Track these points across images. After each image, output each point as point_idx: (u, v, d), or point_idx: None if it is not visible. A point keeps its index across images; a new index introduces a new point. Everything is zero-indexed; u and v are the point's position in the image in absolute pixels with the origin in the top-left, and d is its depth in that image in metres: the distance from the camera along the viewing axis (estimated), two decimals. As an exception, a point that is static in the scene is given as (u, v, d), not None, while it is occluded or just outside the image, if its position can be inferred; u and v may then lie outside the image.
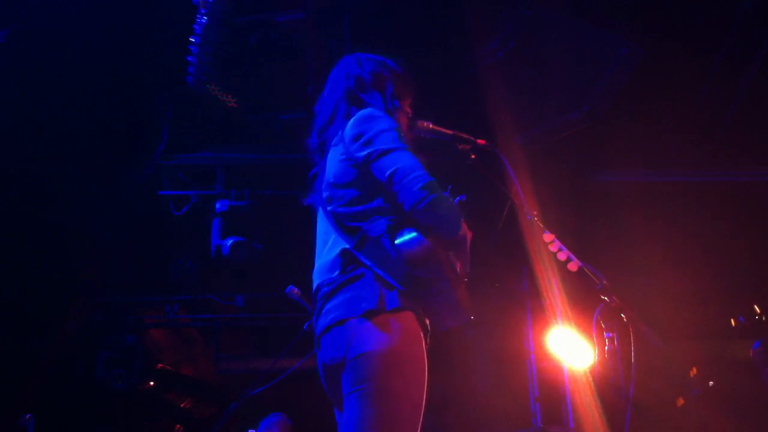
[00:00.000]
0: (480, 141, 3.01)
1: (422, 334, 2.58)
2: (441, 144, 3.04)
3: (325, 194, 2.82)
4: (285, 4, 5.54)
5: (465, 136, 3.01)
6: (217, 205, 6.64)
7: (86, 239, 6.87)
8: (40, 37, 5.27)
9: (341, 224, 2.71)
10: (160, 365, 8.20)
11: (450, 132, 3.02)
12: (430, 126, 3.01)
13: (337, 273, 2.64)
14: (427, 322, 2.65)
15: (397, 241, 2.58)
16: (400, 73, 3.05)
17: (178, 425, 9.22)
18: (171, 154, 6.60)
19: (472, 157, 2.99)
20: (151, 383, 8.00)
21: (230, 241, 6.42)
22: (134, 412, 8.35)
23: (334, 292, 2.62)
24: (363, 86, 2.97)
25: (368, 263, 2.58)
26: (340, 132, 2.83)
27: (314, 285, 2.78)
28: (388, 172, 2.60)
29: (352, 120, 2.77)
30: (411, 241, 2.56)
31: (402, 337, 2.49)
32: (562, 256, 2.74)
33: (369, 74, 3.00)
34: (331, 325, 2.58)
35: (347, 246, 2.65)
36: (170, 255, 7.38)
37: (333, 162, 2.81)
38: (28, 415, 4.60)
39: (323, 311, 2.64)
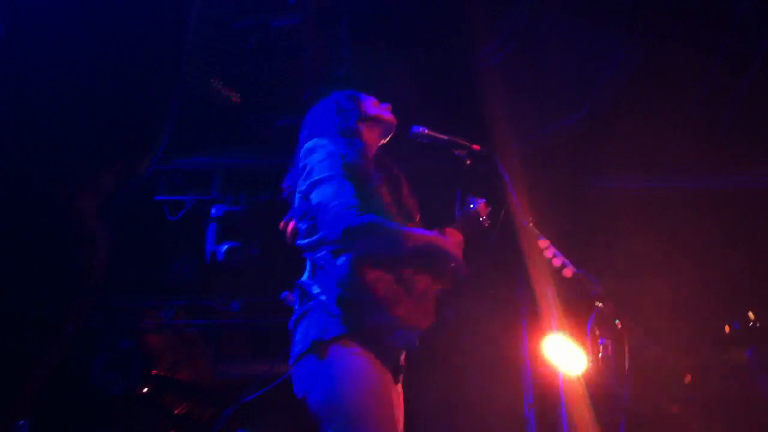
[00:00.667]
0: (475, 146, 3.02)
1: (372, 354, 2.58)
2: (437, 149, 3.05)
3: (297, 224, 2.91)
4: (283, 7, 5.54)
5: (461, 141, 3.02)
6: (213, 210, 6.63)
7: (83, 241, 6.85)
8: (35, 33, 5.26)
9: (303, 257, 2.80)
10: (156, 370, 8.18)
11: (446, 137, 3.03)
12: (426, 131, 3.02)
13: (297, 306, 2.74)
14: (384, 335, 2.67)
15: (332, 268, 2.63)
16: (367, 99, 3.08)
17: (174, 430, 9.19)
18: (167, 158, 6.60)
19: (468, 162, 3.00)
20: (148, 388, 7.98)
21: (225, 247, 6.41)
22: (131, 417, 8.32)
23: (295, 328, 2.72)
24: (326, 120, 3.03)
25: (317, 293, 2.62)
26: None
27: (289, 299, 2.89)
28: (314, 204, 2.68)
29: (303, 149, 2.85)
30: (340, 266, 2.59)
31: (345, 371, 2.51)
32: (557, 262, 2.75)
33: (334, 104, 3.05)
34: (294, 362, 2.66)
35: (302, 278, 2.73)
36: (168, 259, 7.37)
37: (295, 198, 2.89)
38: (22, 422, 4.58)
39: (291, 350, 2.71)
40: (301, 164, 2.80)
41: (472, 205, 2.90)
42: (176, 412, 8.79)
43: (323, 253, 2.68)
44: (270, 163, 6.60)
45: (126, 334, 7.55)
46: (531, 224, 2.98)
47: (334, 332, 2.54)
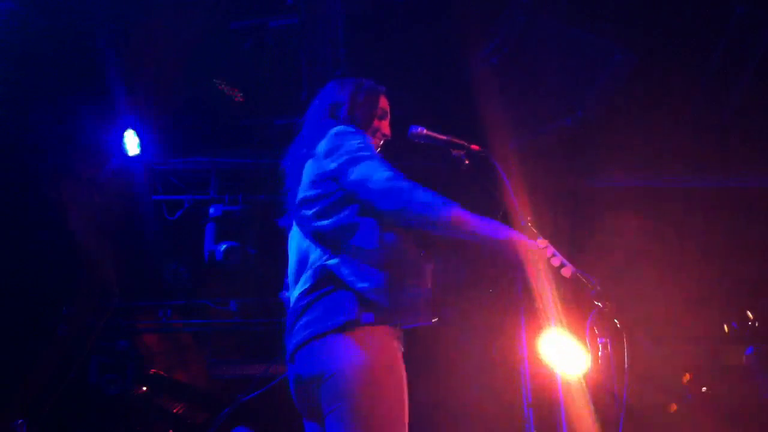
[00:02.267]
0: (474, 146, 3.01)
1: (399, 347, 2.61)
2: (435, 150, 3.04)
3: (300, 211, 2.83)
4: (280, 8, 5.54)
5: (459, 141, 3.00)
6: (211, 210, 6.63)
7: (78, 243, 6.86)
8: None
9: (317, 238, 2.73)
10: (153, 370, 8.17)
11: (444, 137, 3.01)
12: (424, 132, 3.01)
13: (311, 286, 2.66)
14: (402, 334, 2.68)
15: (367, 248, 2.61)
16: (374, 93, 3.08)
17: (171, 430, 9.19)
18: (165, 159, 6.60)
19: (466, 162, 2.99)
20: (144, 388, 7.98)
21: (224, 246, 6.41)
22: (127, 418, 8.31)
23: (310, 305, 2.63)
24: (338, 107, 3.01)
25: (343, 275, 2.59)
26: (311, 150, 2.87)
27: (289, 299, 2.80)
28: (356, 179, 2.64)
29: (326, 137, 2.81)
30: (381, 243, 2.60)
31: (377, 353, 2.50)
32: (555, 262, 2.74)
33: (346, 95, 3.03)
34: (309, 339, 2.58)
35: (323, 259, 2.67)
36: (164, 260, 7.36)
37: (306, 178, 2.84)
38: (20, 420, 4.58)
39: (299, 325, 2.65)
40: (327, 146, 2.76)
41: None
42: (175, 411, 8.80)
43: (350, 234, 2.66)
44: (268, 163, 6.60)
45: (123, 335, 7.54)
46: (529, 224, 2.97)
47: (370, 318, 2.53)
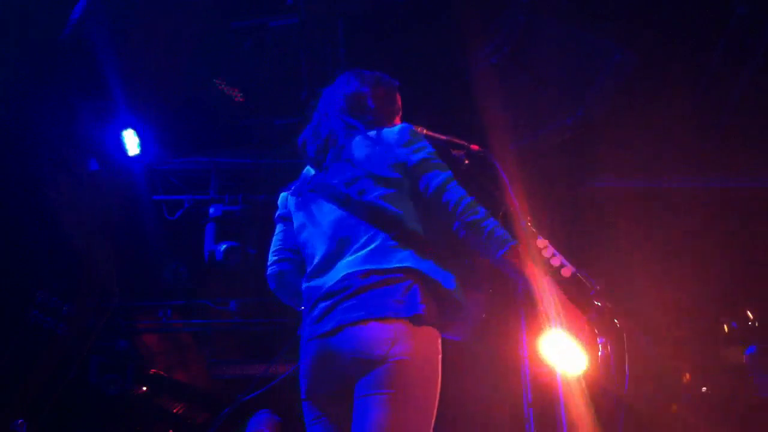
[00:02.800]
0: (474, 146, 3.00)
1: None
2: (435, 149, 3.04)
3: (358, 185, 2.74)
4: (279, 9, 5.54)
5: (459, 141, 3.00)
6: (211, 210, 6.64)
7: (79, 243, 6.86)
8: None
9: (379, 220, 2.66)
10: (153, 370, 8.18)
11: (444, 137, 3.01)
12: (424, 131, 3.00)
13: (378, 269, 2.57)
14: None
15: (441, 251, 2.63)
16: (393, 88, 3.09)
17: (171, 430, 9.19)
18: (165, 159, 6.60)
19: (466, 162, 2.99)
20: (144, 388, 7.98)
21: (224, 246, 6.41)
22: (127, 418, 8.32)
23: (374, 286, 2.54)
24: (362, 98, 3.00)
25: (424, 269, 2.58)
26: (367, 131, 2.84)
27: (338, 274, 2.64)
28: (438, 183, 2.67)
29: (399, 128, 2.80)
30: (451, 250, 2.64)
31: (435, 350, 2.54)
32: (555, 262, 2.74)
33: (368, 87, 3.03)
34: (371, 318, 2.49)
35: (389, 245, 2.62)
36: (164, 260, 7.37)
37: (366, 154, 2.77)
38: (20, 420, 4.58)
39: (358, 299, 2.53)
40: (404, 138, 2.76)
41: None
42: (175, 411, 8.81)
43: (432, 233, 2.69)
44: (268, 163, 6.61)
45: (123, 335, 7.55)
46: (529, 224, 2.98)
47: (433, 318, 2.55)
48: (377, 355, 2.43)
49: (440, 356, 2.56)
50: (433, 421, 2.50)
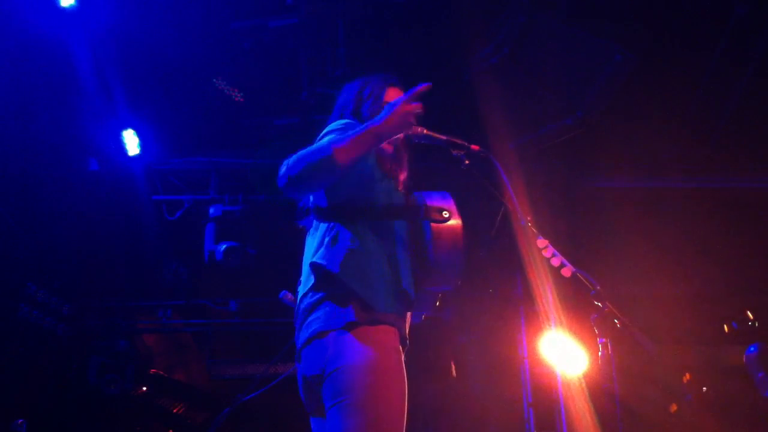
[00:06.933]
0: (474, 146, 3.00)
1: (400, 347, 2.61)
2: (435, 149, 3.04)
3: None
4: (279, 9, 5.54)
5: (459, 141, 2.99)
6: (211, 210, 6.63)
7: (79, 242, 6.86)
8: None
9: (320, 237, 2.74)
10: (153, 370, 8.17)
11: (444, 137, 3.00)
12: (424, 131, 3.00)
13: (314, 284, 2.66)
14: (407, 332, 2.70)
15: (346, 247, 2.64)
16: (380, 86, 3.10)
17: (171, 430, 9.18)
18: (165, 159, 6.60)
19: (466, 162, 2.98)
20: (144, 388, 7.97)
21: (224, 246, 6.41)
22: (127, 418, 8.31)
23: (317, 305, 2.63)
24: (345, 109, 3.05)
25: (341, 274, 2.59)
26: None
27: (298, 295, 2.79)
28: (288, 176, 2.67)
29: None
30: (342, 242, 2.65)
31: (378, 350, 2.51)
32: (555, 262, 2.74)
33: (353, 95, 3.08)
34: (312, 337, 2.60)
35: (322, 258, 2.66)
36: (164, 260, 7.36)
37: None
38: (20, 420, 4.58)
39: (306, 323, 2.66)
40: None
41: None
42: (175, 411, 8.79)
43: (336, 231, 2.70)
44: (268, 163, 6.60)
45: (123, 335, 7.54)
46: (529, 224, 2.97)
47: (369, 318, 2.55)
48: (319, 371, 2.55)
49: (388, 356, 2.53)
50: (394, 420, 2.47)
